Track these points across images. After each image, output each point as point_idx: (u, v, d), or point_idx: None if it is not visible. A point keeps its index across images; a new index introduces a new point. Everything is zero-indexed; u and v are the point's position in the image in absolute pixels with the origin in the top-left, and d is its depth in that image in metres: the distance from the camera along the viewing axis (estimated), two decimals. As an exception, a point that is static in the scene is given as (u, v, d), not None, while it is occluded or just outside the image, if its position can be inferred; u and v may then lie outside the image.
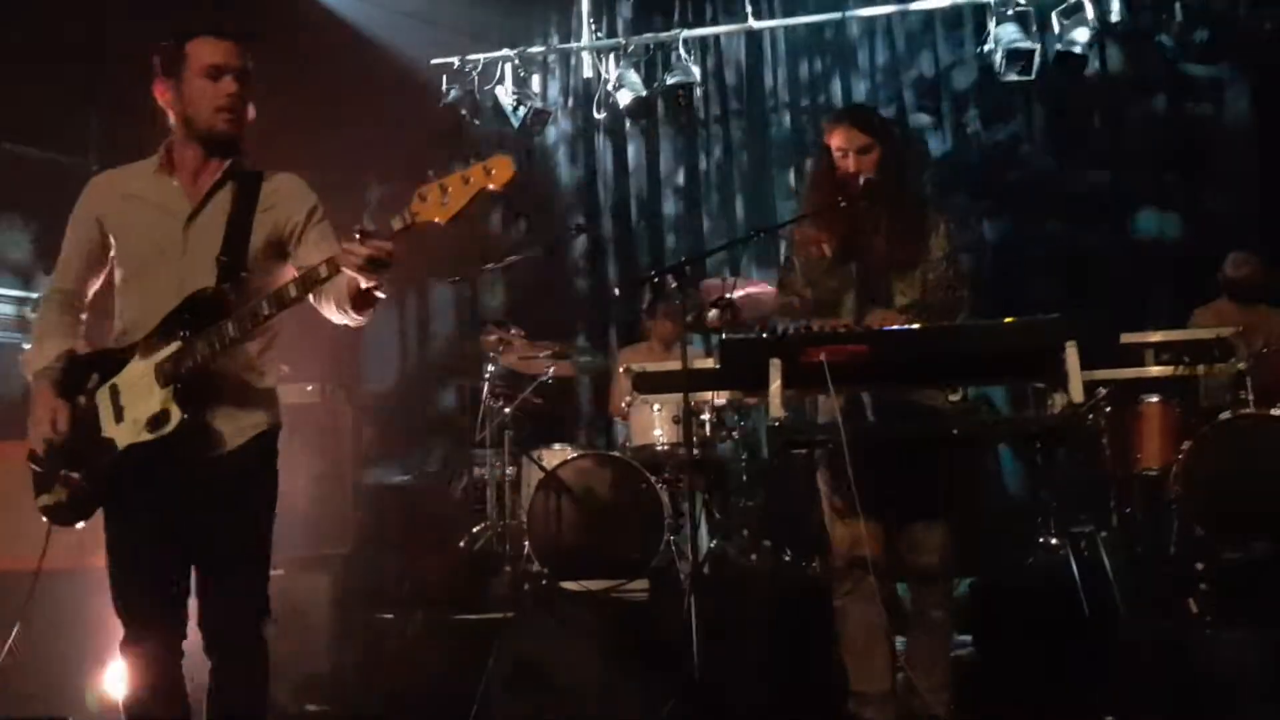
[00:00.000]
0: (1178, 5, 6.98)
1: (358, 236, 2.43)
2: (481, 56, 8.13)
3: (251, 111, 2.75)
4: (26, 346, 4.59)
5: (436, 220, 2.40)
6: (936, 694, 3.36)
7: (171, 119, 2.74)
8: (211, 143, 2.71)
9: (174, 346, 2.58)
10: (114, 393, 2.63)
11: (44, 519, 2.70)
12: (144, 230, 2.73)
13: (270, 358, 2.81)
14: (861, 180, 3.43)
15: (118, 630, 2.73)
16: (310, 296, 2.63)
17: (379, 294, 2.58)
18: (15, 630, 3.02)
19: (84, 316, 2.86)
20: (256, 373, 2.76)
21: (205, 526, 2.64)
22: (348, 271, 2.48)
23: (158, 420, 2.56)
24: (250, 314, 2.56)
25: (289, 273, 2.75)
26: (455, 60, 8.08)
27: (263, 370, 2.78)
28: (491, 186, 2.38)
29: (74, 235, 2.82)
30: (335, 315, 2.70)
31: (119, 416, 2.61)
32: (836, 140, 3.51)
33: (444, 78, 8.07)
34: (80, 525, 2.71)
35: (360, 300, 2.59)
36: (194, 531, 2.65)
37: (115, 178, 2.84)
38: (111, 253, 2.78)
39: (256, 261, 2.71)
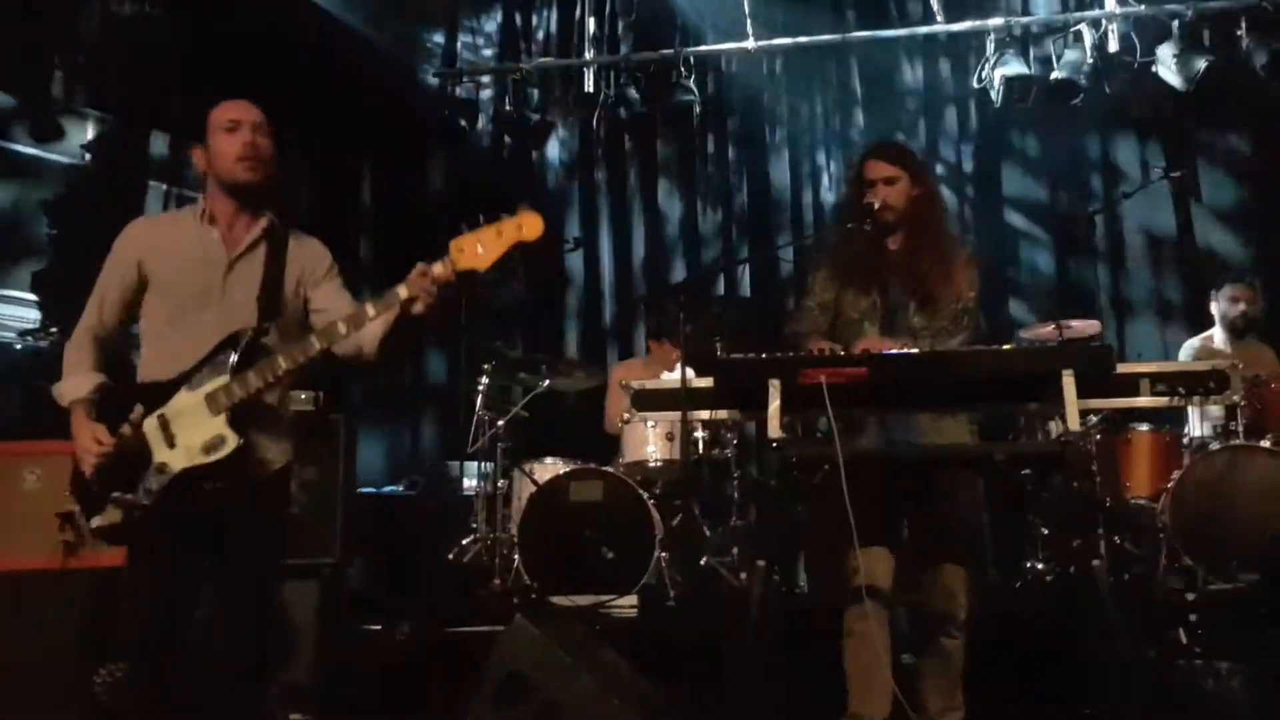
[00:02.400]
0: (1175, 35, 7.04)
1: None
2: (483, 69, 8.15)
3: (273, 166, 3.03)
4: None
5: (476, 268, 2.69)
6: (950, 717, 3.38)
7: (209, 180, 3.04)
8: (238, 192, 3.00)
9: (222, 379, 2.84)
10: (163, 422, 2.86)
11: (99, 540, 2.94)
12: (187, 276, 2.98)
13: (289, 393, 3.14)
14: (877, 206, 3.47)
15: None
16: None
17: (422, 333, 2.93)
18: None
19: (111, 352, 3.09)
20: (285, 405, 3.09)
21: (233, 537, 2.90)
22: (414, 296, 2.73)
23: (213, 445, 2.82)
24: (302, 351, 2.84)
25: (309, 317, 3.06)
26: (457, 70, 8.10)
27: (289, 403, 3.14)
28: (523, 239, 2.69)
29: (112, 276, 3.05)
30: (358, 355, 2.99)
31: (171, 443, 2.85)
32: (866, 171, 3.56)
33: (445, 89, 8.09)
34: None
35: (396, 343, 2.89)
36: (221, 540, 2.90)
37: (156, 225, 3.16)
38: (144, 295, 3.02)
39: (288, 306, 3.02)
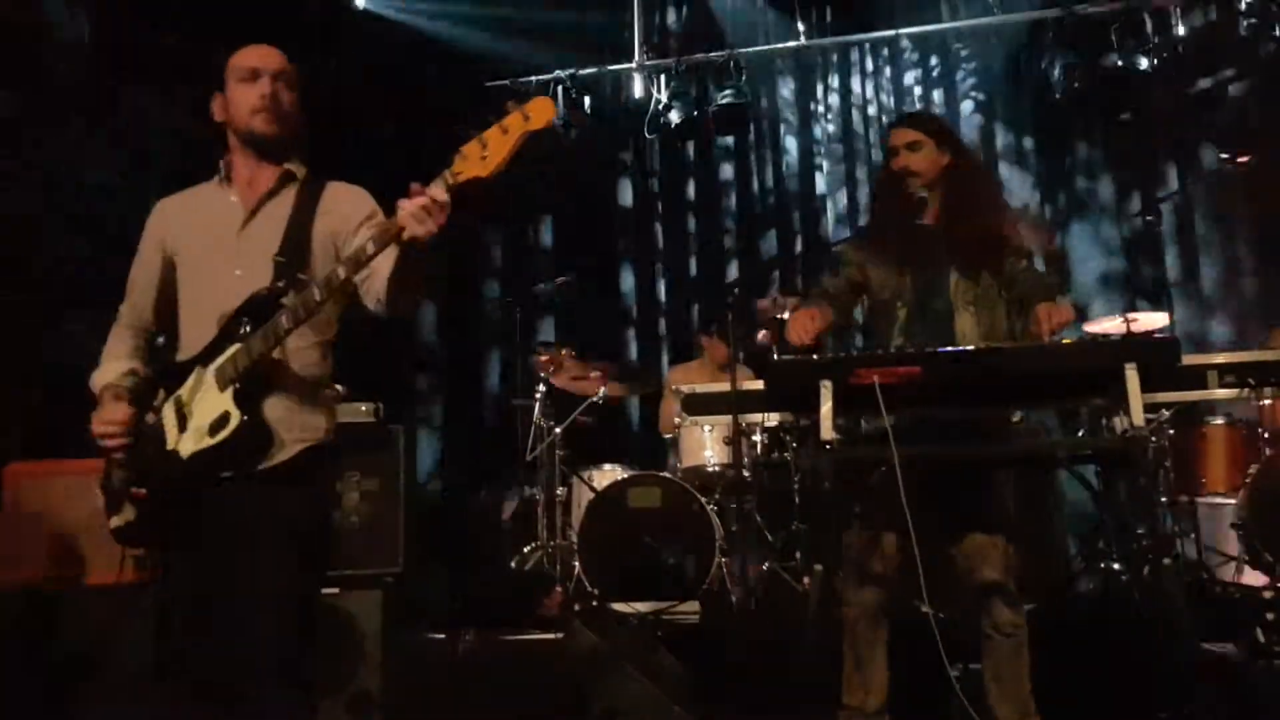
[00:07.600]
0: (1243, 23, 6.86)
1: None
2: (534, 78, 8.18)
3: (295, 119, 2.75)
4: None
5: (480, 175, 2.30)
6: None
7: (228, 134, 2.77)
8: (254, 145, 2.72)
9: (233, 349, 2.53)
10: (178, 405, 2.58)
11: (115, 542, 2.63)
12: (202, 244, 2.71)
13: (328, 365, 2.73)
14: (897, 168, 3.40)
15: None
16: (360, 289, 2.60)
17: (421, 272, 2.47)
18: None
19: (159, 341, 2.83)
20: (314, 377, 2.67)
21: (236, 548, 2.50)
22: (404, 224, 2.34)
23: (218, 424, 2.50)
24: (302, 303, 2.48)
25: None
26: (509, 83, 8.14)
27: (321, 375, 2.70)
28: (532, 129, 2.28)
29: (140, 262, 2.84)
30: (377, 308, 2.62)
31: (183, 427, 2.55)
32: (892, 140, 3.50)
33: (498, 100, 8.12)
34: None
35: (400, 285, 2.49)
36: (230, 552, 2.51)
37: (180, 199, 2.85)
38: (176, 275, 2.77)
39: (316, 262, 2.64)
